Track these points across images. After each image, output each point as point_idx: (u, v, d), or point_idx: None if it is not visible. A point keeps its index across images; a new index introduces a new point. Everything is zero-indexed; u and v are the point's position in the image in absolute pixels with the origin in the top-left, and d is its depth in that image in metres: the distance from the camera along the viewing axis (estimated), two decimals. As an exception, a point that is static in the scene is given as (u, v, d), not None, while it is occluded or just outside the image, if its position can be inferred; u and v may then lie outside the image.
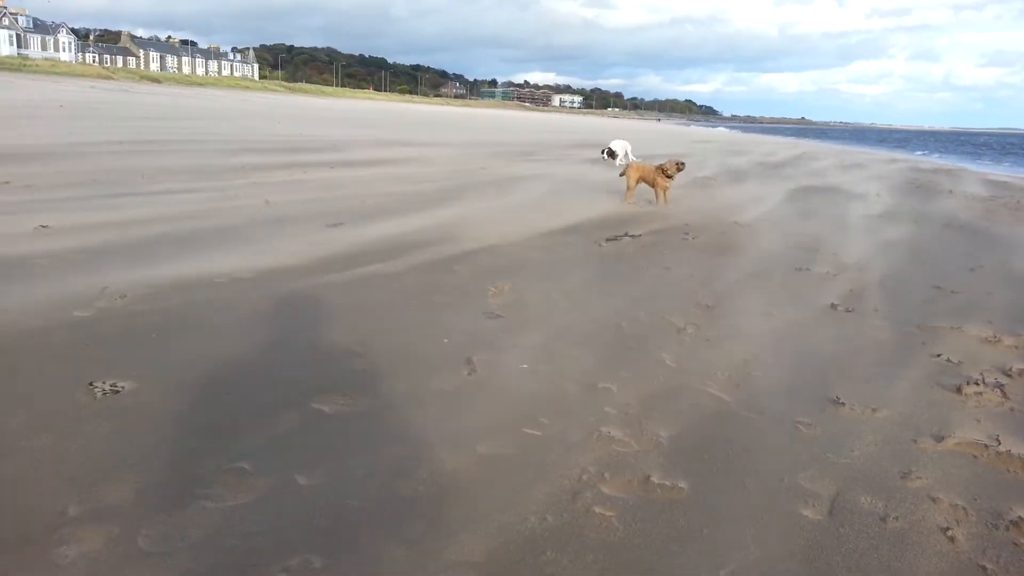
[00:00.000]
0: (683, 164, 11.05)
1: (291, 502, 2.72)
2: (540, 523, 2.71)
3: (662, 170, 10.86)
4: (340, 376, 3.86)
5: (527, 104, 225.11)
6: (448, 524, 2.66)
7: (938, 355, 4.82)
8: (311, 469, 2.93)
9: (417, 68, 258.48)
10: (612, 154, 18.48)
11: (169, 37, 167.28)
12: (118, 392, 3.48)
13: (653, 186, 11.06)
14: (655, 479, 3.06)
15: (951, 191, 17.21)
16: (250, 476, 2.86)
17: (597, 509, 2.82)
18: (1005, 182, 21.85)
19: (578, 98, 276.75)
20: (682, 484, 3.04)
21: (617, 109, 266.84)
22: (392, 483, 2.90)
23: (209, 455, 2.98)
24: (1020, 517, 2.91)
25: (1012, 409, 4.02)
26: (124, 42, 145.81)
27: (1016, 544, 2.76)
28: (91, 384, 3.51)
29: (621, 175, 11.63)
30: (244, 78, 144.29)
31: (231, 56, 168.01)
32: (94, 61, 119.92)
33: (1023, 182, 22.56)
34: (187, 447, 3.04)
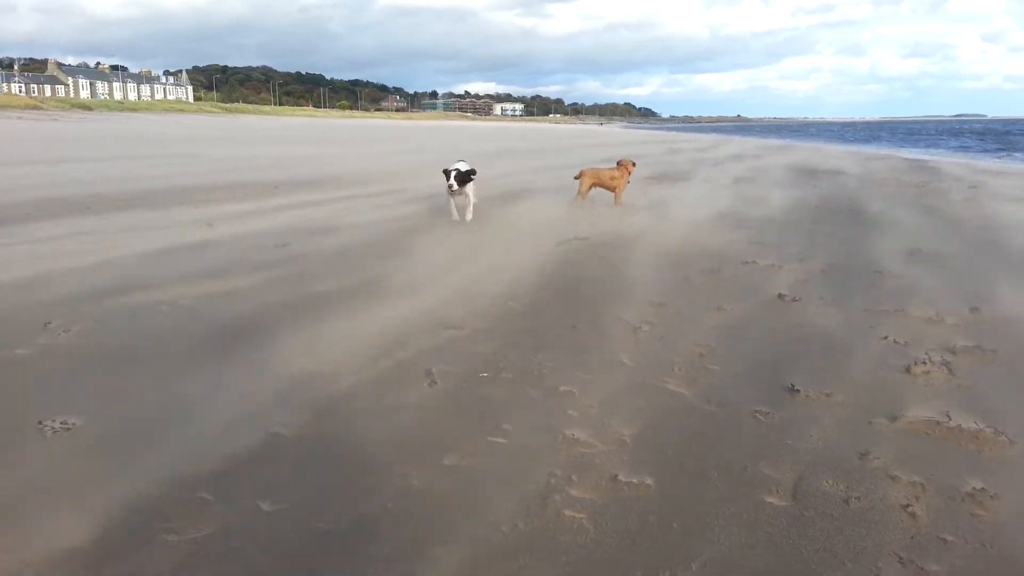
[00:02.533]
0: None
1: (256, 529, 2.67)
2: (512, 531, 2.70)
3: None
4: (298, 397, 3.80)
5: (469, 114, 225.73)
6: (419, 540, 2.64)
7: (885, 337, 4.96)
8: (274, 494, 2.88)
9: (356, 83, 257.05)
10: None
11: (99, 63, 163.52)
12: (69, 429, 3.37)
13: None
14: (622, 477, 3.08)
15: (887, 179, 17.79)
16: (212, 505, 2.79)
17: (567, 512, 2.83)
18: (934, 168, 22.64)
19: (519, 106, 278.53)
20: (648, 481, 3.06)
21: (558, 115, 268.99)
22: (359, 503, 2.86)
23: (168, 487, 2.90)
24: (975, 488, 3.01)
25: (959, 385, 4.16)
26: (51, 70, 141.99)
27: (972, 515, 2.85)
28: (40, 423, 3.39)
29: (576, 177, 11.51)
30: (178, 101, 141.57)
31: (164, 79, 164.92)
32: (20, 91, 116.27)
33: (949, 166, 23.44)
34: (144, 481, 2.95)
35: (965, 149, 40.90)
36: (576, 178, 11.33)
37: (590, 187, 11.18)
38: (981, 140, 52.05)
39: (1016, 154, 34.21)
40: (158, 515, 2.72)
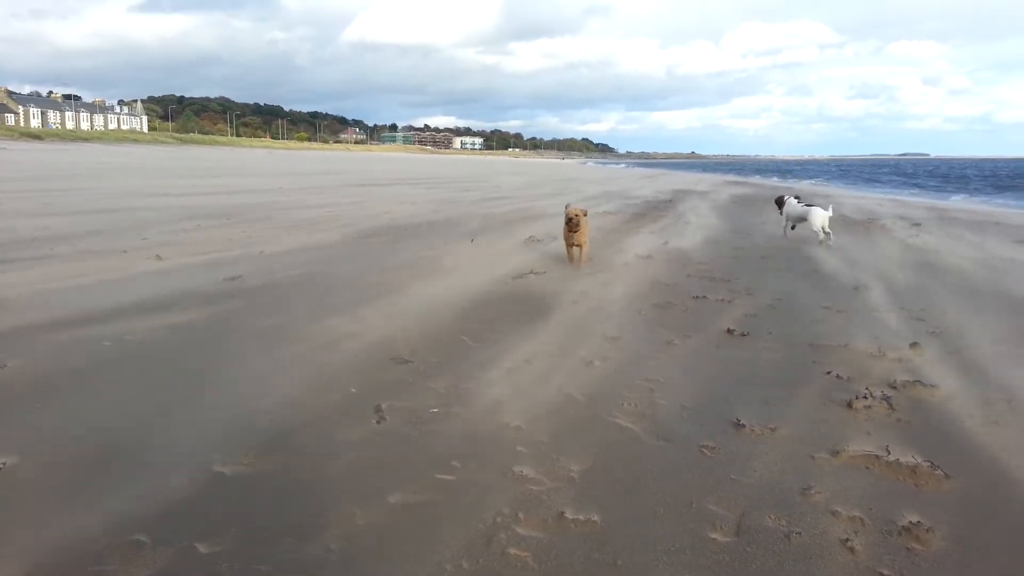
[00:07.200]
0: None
1: (192, 573, 2.60)
2: (456, 571, 2.67)
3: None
4: (241, 435, 3.73)
5: (428, 147, 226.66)
6: (361, 580, 2.59)
7: (829, 372, 5.06)
8: (213, 536, 2.81)
9: (315, 115, 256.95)
10: None
11: (51, 92, 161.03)
12: (1, 468, 3.25)
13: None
14: (568, 514, 3.07)
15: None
16: (147, 548, 2.71)
17: (512, 551, 2.81)
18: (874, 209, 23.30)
19: (479, 140, 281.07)
20: (595, 517, 3.06)
21: (517, 149, 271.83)
22: (301, 544, 2.80)
23: (103, 529, 2.82)
24: (911, 522, 3.07)
25: (899, 420, 4.25)
26: (1, 98, 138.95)
27: (909, 548, 2.90)
28: (-31, 463, 3.27)
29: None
30: (132, 131, 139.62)
31: (117, 109, 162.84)
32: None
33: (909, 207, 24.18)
34: (79, 522, 2.86)
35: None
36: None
37: None
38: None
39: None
40: (92, 558, 2.64)
